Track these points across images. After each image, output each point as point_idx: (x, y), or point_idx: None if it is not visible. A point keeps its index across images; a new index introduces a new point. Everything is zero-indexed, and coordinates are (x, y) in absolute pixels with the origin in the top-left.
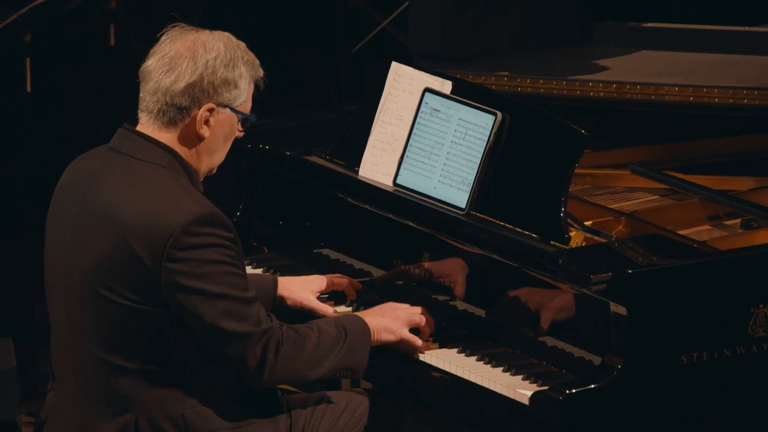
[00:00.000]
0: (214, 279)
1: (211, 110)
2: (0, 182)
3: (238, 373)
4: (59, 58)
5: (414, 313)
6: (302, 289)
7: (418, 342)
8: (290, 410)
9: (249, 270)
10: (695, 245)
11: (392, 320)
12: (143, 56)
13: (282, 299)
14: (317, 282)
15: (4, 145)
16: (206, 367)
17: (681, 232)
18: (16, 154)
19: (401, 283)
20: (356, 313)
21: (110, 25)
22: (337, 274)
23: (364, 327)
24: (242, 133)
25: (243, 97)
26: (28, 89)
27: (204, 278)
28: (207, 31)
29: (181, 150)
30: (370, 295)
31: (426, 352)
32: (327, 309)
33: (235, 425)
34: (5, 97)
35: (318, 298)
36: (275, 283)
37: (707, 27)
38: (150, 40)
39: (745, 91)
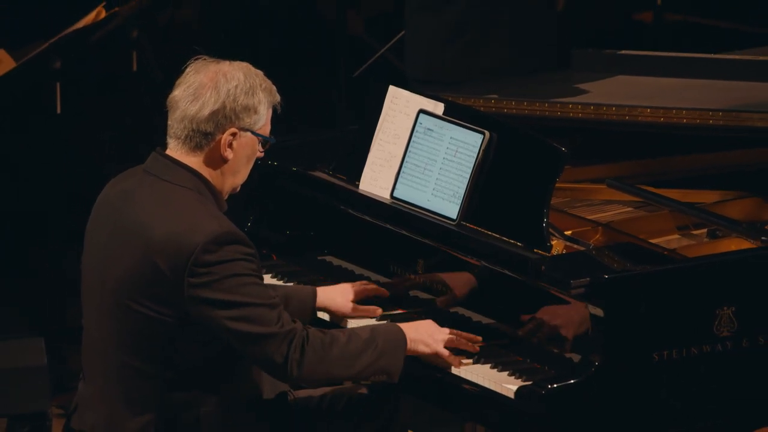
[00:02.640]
0: (234, 290)
1: (234, 134)
2: (33, 194)
3: (251, 376)
4: (86, 82)
5: (450, 334)
6: (345, 300)
7: (454, 359)
8: (297, 407)
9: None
10: (665, 253)
11: (429, 335)
12: (162, 80)
13: (326, 309)
14: (352, 290)
15: (36, 160)
16: (220, 375)
17: (653, 241)
18: (48, 168)
19: (399, 287)
20: (396, 323)
21: (132, 53)
22: (364, 282)
23: (399, 334)
24: (263, 154)
25: (263, 121)
26: (58, 111)
27: (224, 290)
28: (227, 62)
29: (206, 172)
30: (394, 308)
31: None
32: (375, 310)
33: (246, 427)
34: (38, 117)
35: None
36: (314, 294)
37: (676, 54)
38: (168, 66)
39: (710, 113)
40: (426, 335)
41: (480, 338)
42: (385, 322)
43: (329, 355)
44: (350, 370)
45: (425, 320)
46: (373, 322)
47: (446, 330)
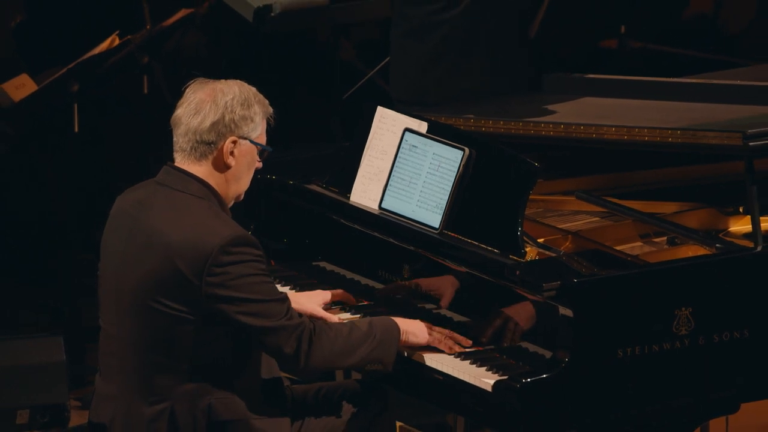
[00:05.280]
0: (248, 288)
1: (234, 142)
2: (52, 205)
3: (257, 368)
4: (101, 104)
5: (439, 332)
6: (309, 301)
7: (445, 345)
8: (294, 399)
9: None
10: (629, 258)
11: (419, 329)
12: (171, 102)
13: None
14: (321, 295)
15: (55, 174)
16: (230, 366)
17: (617, 248)
18: (66, 182)
19: (387, 290)
20: (390, 317)
21: (144, 77)
22: (336, 290)
23: (394, 327)
24: (261, 164)
25: (259, 130)
26: (76, 130)
27: (240, 288)
28: (223, 81)
29: (212, 179)
30: (378, 309)
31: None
32: (331, 316)
33: (251, 413)
34: (57, 136)
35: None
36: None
37: (638, 78)
38: (176, 89)
39: (669, 131)
40: (416, 328)
41: (470, 342)
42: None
43: (334, 347)
44: (351, 359)
45: (417, 320)
46: (344, 316)
47: (436, 328)
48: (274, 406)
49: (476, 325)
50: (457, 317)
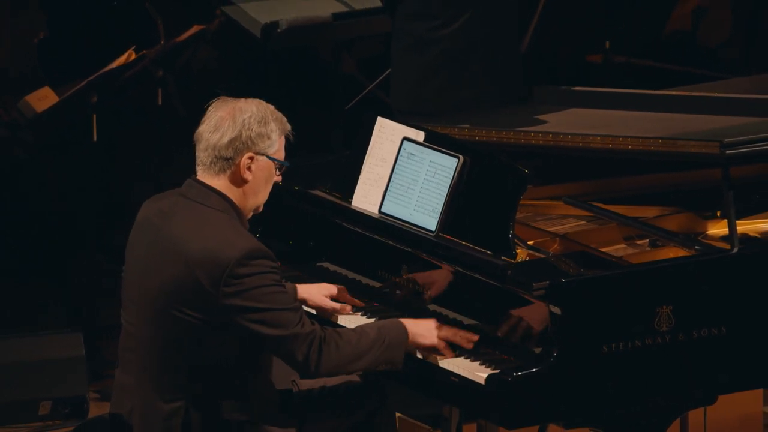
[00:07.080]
0: (263, 298)
1: (251, 158)
2: (72, 210)
3: (268, 373)
4: (118, 114)
5: (449, 331)
6: (319, 293)
7: (449, 352)
8: (300, 396)
9: None
10: (614, 260)
11: (429, 330)
12: (183, 113)
13: (303, 301)
14: (329, 289)
15: (76, 181)
16: (242, 370)
17: (603, 250)
18: (85, 188)
19: (386, 290)
20: (399, 319)
21: (158, 89)
22: (341, 286)
23: (402, 329)
24: (280, 178)
25: (275, 146)
26: (94, 139)
27: (256, 299)
28: (243, 99)
29: (231, 193)
30: (378, 306)
31: None
32: (336, 305)
33: (262, 416)
34: (77, 145)
35: None
36: (295, 290)
37: (622, 90)
38: (188, 101)
39: (651, 140)
40: (425, 329)
41: (477, 337)
42: (390, 318)
43: (342, 354)
44: (359, 364)
45: (429, 318)
46: (350, 317)
47: (445, 327)
48: (281, 405)
49: (470, 322)
50: (452, 315)
